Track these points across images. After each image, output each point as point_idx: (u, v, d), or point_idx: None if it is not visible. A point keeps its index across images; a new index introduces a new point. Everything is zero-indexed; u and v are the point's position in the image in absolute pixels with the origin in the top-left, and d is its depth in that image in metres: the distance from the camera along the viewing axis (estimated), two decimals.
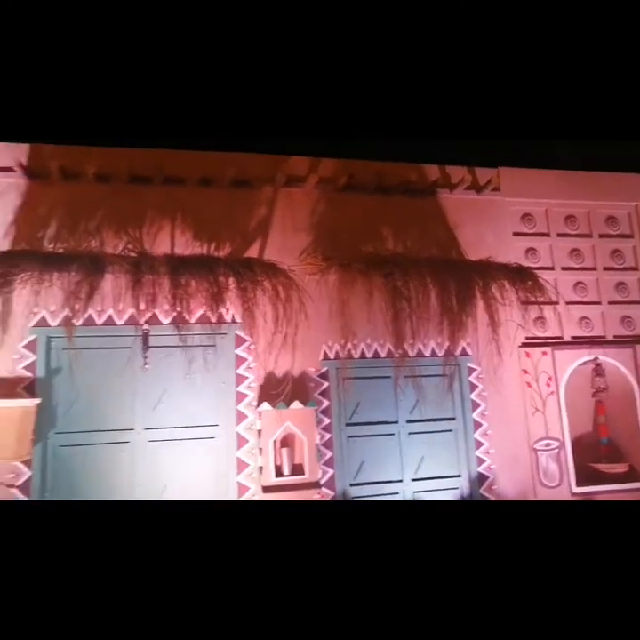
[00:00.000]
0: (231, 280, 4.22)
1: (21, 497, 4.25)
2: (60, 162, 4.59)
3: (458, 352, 5.19)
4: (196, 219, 4.93)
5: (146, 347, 4.59)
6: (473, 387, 5.35)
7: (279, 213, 5.19)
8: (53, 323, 4.49)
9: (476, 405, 5.33)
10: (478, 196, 5.74)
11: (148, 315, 4.57)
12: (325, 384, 5.02)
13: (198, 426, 4.71)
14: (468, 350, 5.28)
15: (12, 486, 4.25)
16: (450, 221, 5.60)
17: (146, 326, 4.58)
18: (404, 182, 5.48)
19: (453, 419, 5.28)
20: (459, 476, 5.20)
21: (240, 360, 4.87)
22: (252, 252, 4.97)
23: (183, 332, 4.52)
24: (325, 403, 4.99)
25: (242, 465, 4.72)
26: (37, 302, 4.08)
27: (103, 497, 4.42)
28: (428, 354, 5.19)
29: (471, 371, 5.35)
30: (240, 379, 4.85)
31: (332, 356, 5.07)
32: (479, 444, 5.27)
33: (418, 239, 5.39)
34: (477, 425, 5.30)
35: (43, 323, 4.47)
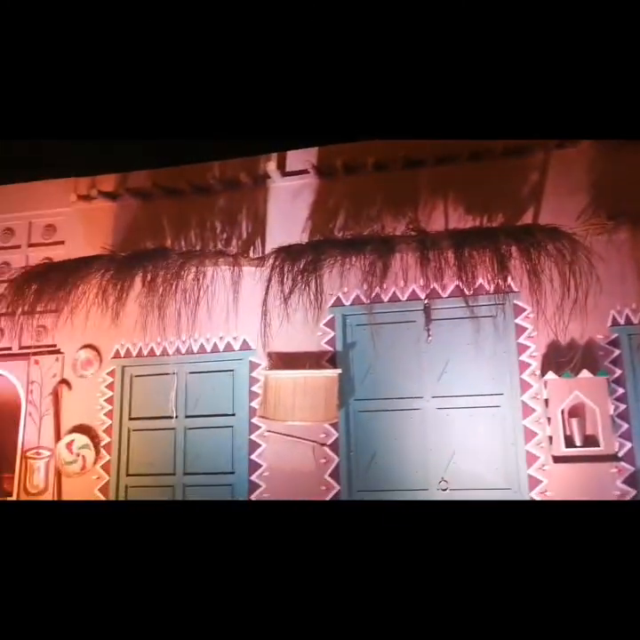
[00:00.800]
0: (513, 248, 4.24)
1: (332, 455, 4.91)
2: (344, 159, 5.14)
3: None
4: (467, 193, 5.05)
5: (428, 320, 4.89)
6: None
7: (552, 176, 5.01)
8: (347, 302, 5.09)
9: None
10: None
11: (428, 290, 4.85)
12: (616, 352, 4.70)
13: (483, 395, 4.84)
14: None
15: (324, 444, 4.94)
16: None
17: (428, 300, 4.87)
18: None
19: None
20: None
21: (520, 329, 4.85)
22: (526, 220, 4.90)
23: (463, 305, 4.69)
24: (617, 371, 4.68)
25: (529, 434, 4.70)
26: (342, 284, 4.67)
27: (399, 459, 4.86)
28: None
29: None
30: (521, 348, 4.83)
31: (622, 321, 4.73)
32: None
33: None
34: None
35: (338, 302, 5.10)
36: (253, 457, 5.03)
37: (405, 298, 5.03)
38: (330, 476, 4.89)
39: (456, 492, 4.72)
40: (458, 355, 4.91)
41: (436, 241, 4.31)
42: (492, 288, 4.70)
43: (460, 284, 4.43)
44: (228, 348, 5.22)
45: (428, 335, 4.88)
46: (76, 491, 5.21)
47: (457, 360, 4.91)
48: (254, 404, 5.06)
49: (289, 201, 5.35)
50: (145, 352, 5.35)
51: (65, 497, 5.21)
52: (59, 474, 5.23)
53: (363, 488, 4.89)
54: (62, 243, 5.73)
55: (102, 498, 5.20)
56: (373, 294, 4.55)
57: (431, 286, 4.80)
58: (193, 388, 5.24)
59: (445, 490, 4.77)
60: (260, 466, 5.00)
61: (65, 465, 5.19)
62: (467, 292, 4.67)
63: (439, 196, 5.12)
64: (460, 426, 4.85)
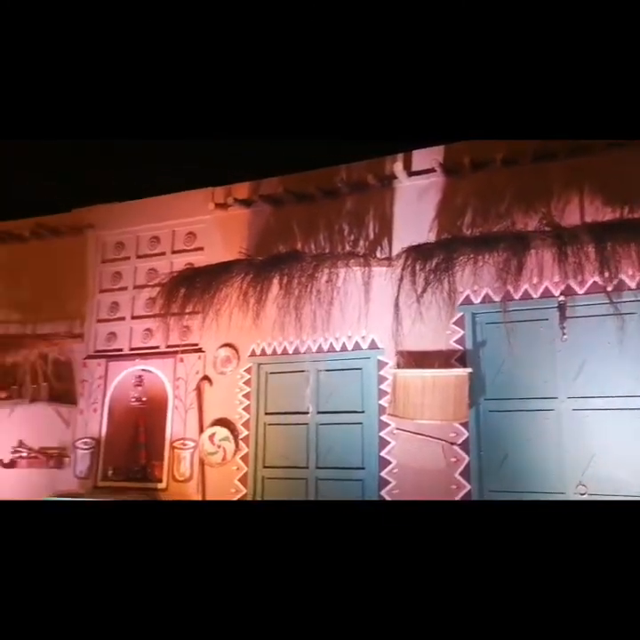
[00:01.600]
0: None
1: (462, 454, 4.89)
2: (471, 156, 5.09)
3: None
4: (605, 184, 4.80)
5: (563, 318, 4.72)
6: None
7: None
8: (476, 300, 5.04)
9: None
10: None
11: (563, 286, 4.68)
12: None
13: (625, 396, 4.59)
14: None
15: (454, 443, 4.93)
16: None
17: (562, 298, 4.70)
18: None
19: None
20: None
21: None
22: None
23: (601, 302, 4.49)
24: None
25: None
26: (474, 282, 4.65)
27: (532, 460, 4.73)
28: None
29: None
30: None
31: None
32: None
33: None
34: None
35: (467, 301, 5.06)
36: (383, 454, 5.13)
37: (538, 295, 4.88)
38: (460, 475, 4.87)
39: (596, 499, 4.52)
40: (596, 353, 4.69)
41: (575, 235, 4.16)
42: (635, 283, 4.46)
43: (601, 280, 4.24)
44: (356, 346, 5.36)
45: (563, 334, 4.71)
46: (218, 480, 5.62)
47: (595, 359, 4.69)
48: (383, 402, 5.17)
49: (415, 201, 5.38)
50: (278, 351, 5.65)
51: (208, 485, 5.64)
52: (202, 463, 5.67)
53: (494, 488, 4.83)
54: (202, 249, 6.18)
55: (242, 488, 5.56)
56: (501, 292, 4.48)
57: (566, 283, 4.65)
58: (325, 386, 5.45)
59: (583, 494, 4.59)
60: (390, 463, 5.09)
61: (208, 455, 5.61)
62: (608, 289, 4.47)
63: (573, 188, 4.91)
64: (599, 428, 4.62)
